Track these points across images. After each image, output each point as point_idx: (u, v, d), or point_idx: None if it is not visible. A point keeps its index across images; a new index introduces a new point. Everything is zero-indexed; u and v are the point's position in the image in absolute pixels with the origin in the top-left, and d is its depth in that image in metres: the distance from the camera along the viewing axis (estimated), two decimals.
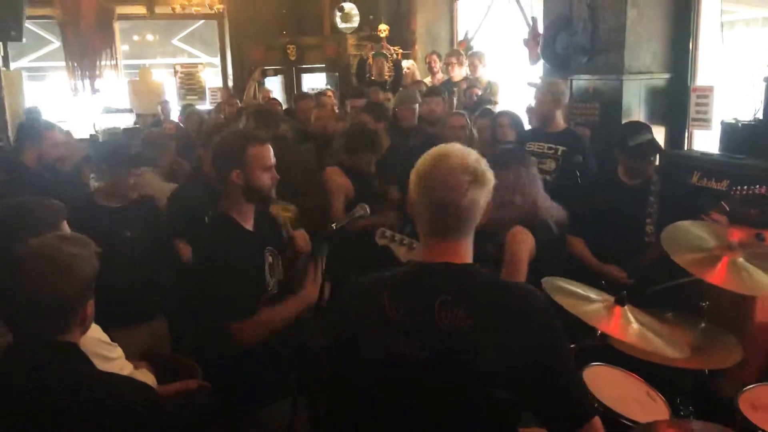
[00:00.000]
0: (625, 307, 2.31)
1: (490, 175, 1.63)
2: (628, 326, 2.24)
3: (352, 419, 1.73)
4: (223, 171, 2.61)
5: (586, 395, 1.64)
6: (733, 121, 4.11)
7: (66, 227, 2.28)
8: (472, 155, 1.63)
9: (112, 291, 3.04)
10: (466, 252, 1.65)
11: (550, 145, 4.22)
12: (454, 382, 1.52)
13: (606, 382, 2.69)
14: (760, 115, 3.99)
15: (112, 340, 2.34)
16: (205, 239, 2.67)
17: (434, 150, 1.64)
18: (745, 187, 3.34)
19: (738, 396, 2.52)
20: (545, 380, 1.54)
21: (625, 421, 2.43)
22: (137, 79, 10.38)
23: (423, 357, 1.54)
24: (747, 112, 4.11)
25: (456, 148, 1.64)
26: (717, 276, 2.58)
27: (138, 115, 9.56)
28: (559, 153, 4.18)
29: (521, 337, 1.52)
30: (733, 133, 4.10)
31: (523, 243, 2.86)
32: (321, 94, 6.68)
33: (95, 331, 2.18)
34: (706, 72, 4.72)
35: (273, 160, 2.67)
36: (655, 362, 2.52)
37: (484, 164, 1.63)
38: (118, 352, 2.31)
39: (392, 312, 1.58)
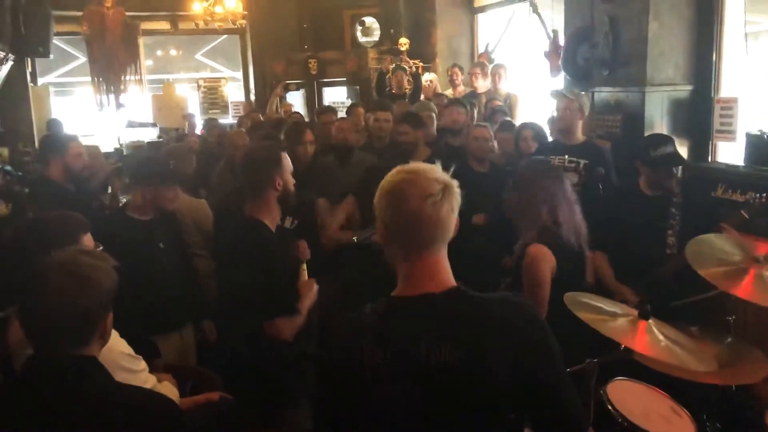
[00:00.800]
0: (650, 321, 2.29)
1: (457, 189, 1.60)
2: (652, 340, 2.21)
3: None
4: (265, 178, 2.73)
5: (580, 406, 1.62)
6: (759, 133, 4.06)
7: (88, 240, 2.31)
8: (438, 169, 1.61)
9: (150, 299, 3.13)
10: (444, 270, 1.61)
11: (571, 158, 4.20)
12: (454, 417, 1.50)
13: (630, 397, 2.66)
14: None
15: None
16: (247, 244, 2.74)
17: (400, 167, 1.64)
18: (764, 194, 3.29)
19: (766, 413, 2.48)
20: (538, 392, 1.54)
21: None
22: (161, 93, 10.52)
23: (416, 399, 1.50)
24: None
25: (421, 163, 1.64)
26: (744, 289, 2.55)
27: (161, 129, 9.68)
28: (582, 166, 4.15)
29: (509, 356, 1.50)
30: (758, 145, 4.05)
31: (543, 261, 2.79)
32: (354, 106, 6.71)
33: (120, 344, 2.21)
34: (729, 83, 4.67)
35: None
36: (681, 377, 2.49)
37: (450, 177, 1.61)
38: (142, 364, 2.32)
39: (378, 358, 1.52)
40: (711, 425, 2.67)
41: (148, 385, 2.28)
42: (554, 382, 1.56)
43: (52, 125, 8.42)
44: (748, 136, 4.13)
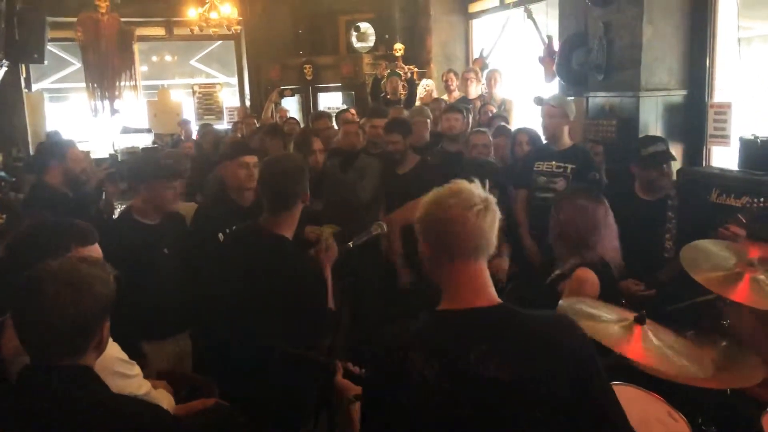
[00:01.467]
0: (645, 325, 2.29)
1: (497, 210, 1.63)
2: (648, 346, 2.21)
3: None
4: (295, 191, 2.68)
5: (628, 424, 1.63)
6: (752, 138, 4.08)
7: (96, 251, 2.26)
8: (480, 188, 1.64)
9: (149, 305, 3.11)
10: (488, 284, 1.62)
11: (559, 163, 4.21)
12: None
13: (627, 402, 2.63)
14: None
15: (142, 352, 2.35)
16: (279, 264, 2.66)
17: (445, 185, 1.66)
18: (762, 199, 3.30)
19: (762, 417, 2.48)
20: (593, 411, 1.55)
21: None
22: (156, 99, 10.51)
23: (467, 414, 1.48)
24: (766, 128, 4.08)
25: (462, 181, 1.65)
26: (740, 293, 2.55)
27: (156, 135, 9.66)
28: (569, 171, 4.17)
29: (560, 374, 1.51)
30: (752, 150, 4.07)
31: (590, 286, 2.83)
32: (344, 112, 6.71)
33: (114, 349, 2.19)
34: (723, 88, 4.69)
35: None
36: (676, 382, 2.49)
37: (492, 197, 1.63)
38: (136, 370, 2.31)
39: (428, 372, 1.50)
40: (707, 429, 2.67)
41: (142, 391, 2.27)
42: (606, 401, 1.59)
43: (52, 136, 8.39)
44: (742, 140, 4.15)
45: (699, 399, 2.77)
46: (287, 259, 2.67)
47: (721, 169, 4.34)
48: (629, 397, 2.74)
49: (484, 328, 1.55)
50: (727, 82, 4.68)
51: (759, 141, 4.04)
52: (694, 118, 4.74)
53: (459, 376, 1.49)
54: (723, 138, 4.44)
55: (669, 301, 3.22)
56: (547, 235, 3.55)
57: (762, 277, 2.61)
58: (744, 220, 3.28)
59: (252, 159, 3.64)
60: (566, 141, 4.35)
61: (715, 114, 4.49)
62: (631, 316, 2.35)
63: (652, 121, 4.74)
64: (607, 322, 2.34)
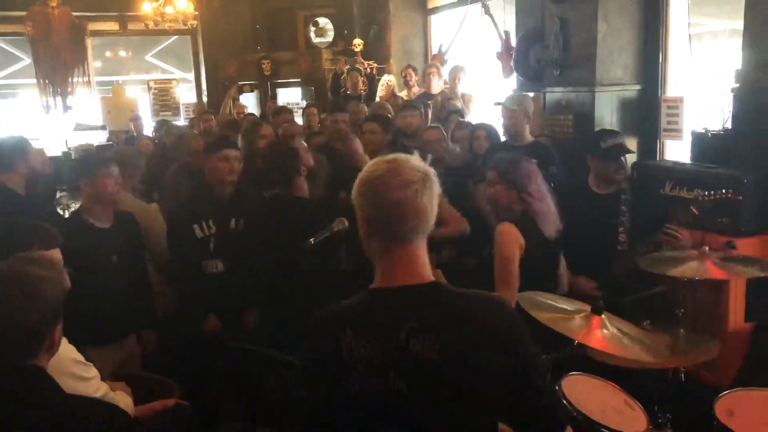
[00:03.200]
0: (603, 315, 2.33)
1: (436, 181, 1.59)
2: (606, 335, 2.25)
3: None
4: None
5: (560, 403, 1.65)
6: (703, 131, 4.18)
7: (56, 254, 2.21)
8: (419, 161, 1.60)
9: (93, 311, 3.04)
10: (422, 262, 1.59)
11: None
12: (436, 412, 1.48)
13: (585, 392, 2.71)
14: (728, 125, 4.07)
15: (89, 358, 2.30)
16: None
17: (380, 158, 1.62)
18: (713, 192, 3.39)
19: (714, 402, 2.55)
20: (519, 391, 1.54)
21: (603, 431, 2.45)
22: (110, 95, 10.29)
23: (399, 390, 1.48)
24: (716, 122, 4.18)
25: (403, 155, 1.61)
26: (715, 273, 2.71)
27: (111, 132, 9.46)
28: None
29: (490, 354, 1.50)
30: (703, 143, 4.17)
31: (511, 237, 2.96)
32: (309, 107, 6.66)
33: (70, 351, 2.15)
34: (675, 83, 4.80)
35: None
36: (633, 369, 2.55)
37: (431, 169, 1.59)
38: (93, 371, 2.27)
39: (359, 350, 1.50)
40: (662, 416, 2.74)
41: (99, 393, 2.23)
42: (538, 382, 1.58)
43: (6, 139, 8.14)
44: (694, 134, 4.25)
45: (655, 387, 2.84)
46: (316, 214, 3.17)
47: (675, 162, 4.44)
48: (587, 386, 2.80)
49: (416, 305, 1.53)
50: (679, 77, 4.79)
51: (710, 134, 4.14)
52: (647, 112, 4.84)
53: (391, 354, 1.49)
54: (675, 132, 4.54)
55: (624, 293, 3.29)
56: None
57: (717, 260, 2.77)
58: (696, 212, 3.37)
59: (233, 153, 3.69)
60: (527, 137, 4.41)
61: (668, 108, 4.59)
62: (588, 307, 2.39)
63: (607, 116, 4.82)
64: (565, 313, 2.38)
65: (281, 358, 2.47)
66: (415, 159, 1.60)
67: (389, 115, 5.48)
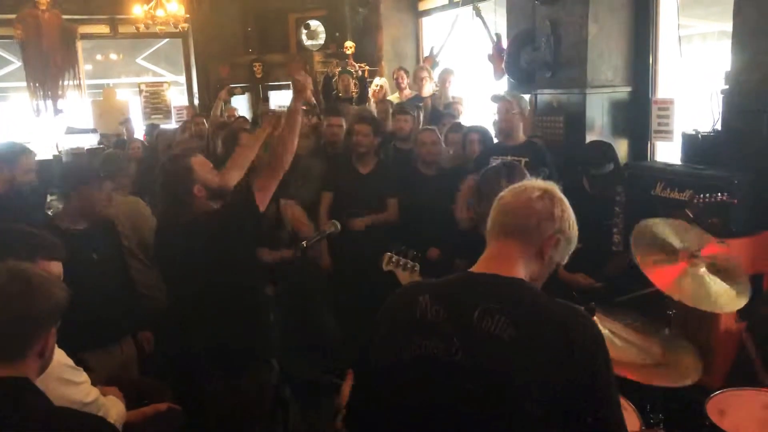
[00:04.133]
0: (594, 317, 2.34)
1: (561, 204, 1.72)
2: None
3: (375, 420, 1.67)
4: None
5: (623, 427, 1.56)
6: (693, 133, 4.21)
7: (56, 267, 2.19)
8: (546, 183, 1.75)
9: (81, 314, 3.01)
10: (518, 263, 1.65)
11: (513, 157, 4.28)
12: (486, 388, 1.48)
13: None
14: (718, 126, 4.09)
15: (83, 363, 2.29)
16: None
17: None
18: (707, 195, 3.41)
19: (705, 402, 2.56)
20: (579, 403, 1.48)
21: None
22: (101, 98, 10.25)
23: (456, 360, 1.51)
24: (706, 123, 4.21)
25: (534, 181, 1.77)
26: (665, 282, 2.64)
27: (102, 135, 9.42)
28: (522, 165, 4.23)
29: (560, 354, 1.48)
30: (693, 144, 4.19)
31: None
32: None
33: (60, 355, 2.13)
34: (666, 85, 4.83)
35: None
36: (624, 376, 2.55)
37: (557, 190, 1.73)
38: (83, 376, 2.25)
39: (431, 314, 1.58)
40: (654, 416, 2.75)
41: (90, 398, 2.21)
42: (604, 411, 1.51)
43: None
44: (684, 135, 4.28)
45: (647, 388, 2.85)
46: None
47: (665, 164, 4.46)
48: None
49: (497, 289, 1.59)
50: (670, 78, 4.82)
51: (700, 136, 4.16)
52: (638, 114, 4.86)
53: (459, 323, 1.54)
54: (666, 133, 4.56)
55: (617, 293, 3.30)
56: None
57: (700, 271, 2.68)
58: (691, 215, 3.38)
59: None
60: (520, 137, 4.43)
61: (659, 110, 4.61)
62: (580, 308, 2.39)
63: (598, 118, 4.84)
64: None
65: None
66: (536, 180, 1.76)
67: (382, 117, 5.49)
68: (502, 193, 1.75)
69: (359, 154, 4.67)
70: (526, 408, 1.45)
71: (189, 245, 2.79)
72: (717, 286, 2.62)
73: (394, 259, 2.70)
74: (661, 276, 2.62)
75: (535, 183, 1.73)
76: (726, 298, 2.56)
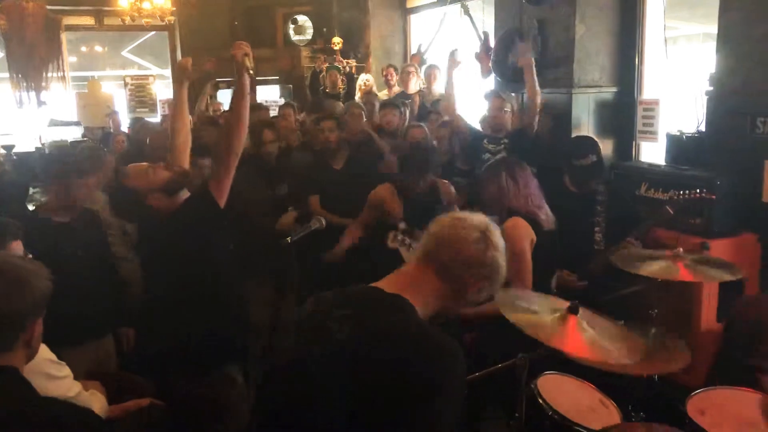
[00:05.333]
0: (579, 314, 2.34)
1: (495, 248, 1.70)
2: (582, 335, 2.26)
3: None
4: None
5: None
6: (678, 134, 4.24)
7: (17, 247, 2.19)
8: (486, 220, 1.74)
9: (61, 309, 2.98)
10: (423, 292, 1.65)
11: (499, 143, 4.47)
12: (307, 384, 1.55)
13: (560, 391, 2.73)
14: (702, 128, 4.12)
15: (61, 358, 2.28)
16: None
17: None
18: (687, 191, 3.45)
19: (686, 401, 2.59)
20: (398, 407, 1.46)
21: (578, 429, 2.47)
22: (85, 91, 10.15)
23: (298, 359, 1.62)
24: (691, 124, 4.24)
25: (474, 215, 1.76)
26: (685, 276, 2.78)
27: (86, 128, 9.33)
28: (507, 143, 4.47)
29: (394, 356, 1.49)
30: (678, 145, 4.22)
31: (522, 231, 3.01)
32: (287, 106, 6.58)
33: (42, 350, 2.11)
34: (651, 86, 4.86)
35: None
36: (608, 371, 2.57)
37: (495, 232, 1.72)
38: (65, 371, 2.24)
39: (301, 315, 1.71)
40: (636, 415, 2.77)
41: (72, 392, 2.20)
42: (419, 406, 1.47)
43: None
44: (669, 136, 4.31)
45: (629, 387, 2.87)
46: None
47: (650, 164, 4.49)
48: (563, 385, 2.82)
49: (365, 300, 1.64)
50: (655, 79, 4.85)
51: (684, 137, 4.19)
52: (623, 114, 4.89)
53: (322, 327, 1.60)
54: (651, 134, 4.59)
55: (600, 292, 3.32)
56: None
57: (689, 262, 2.82)
58: (671, 212, 3.41)
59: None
60: (507, 129, 4.53)
61: (644, 110, 4.64)
62: (564, 305, 2.40)
63: (584, 117, 4.86)
64: (540, 314, 2.39)
65: None
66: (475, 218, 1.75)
67: (363, 111, 5.49)
68: (441, 217, 1.74)
69: (331, 151, 4.69)
70: (331, 408, 1.50)
71: (157, 243, 2.78)
72: (710, 269, 2.80)
73: (399, 237, 2.71)
74: (675, 274, 2.74)
75: (475, 221, 1.71)
76: (723, 272, 2.73)
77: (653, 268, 2.84)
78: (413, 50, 8.63)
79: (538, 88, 4.41)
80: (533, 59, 4.47)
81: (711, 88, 3.98)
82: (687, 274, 2.78)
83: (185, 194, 2.85)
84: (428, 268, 1.68)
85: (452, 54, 4.91)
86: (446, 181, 4.09)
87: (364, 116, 5.36)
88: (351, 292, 1.69)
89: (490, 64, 5.77)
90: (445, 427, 1.50)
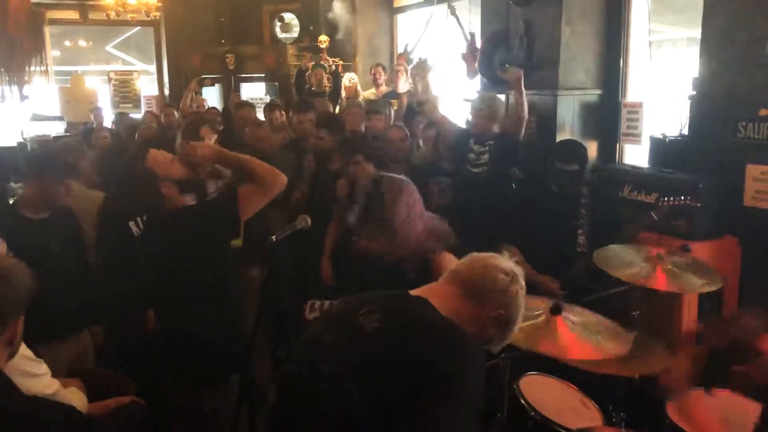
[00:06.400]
0: (562, 313, 2.36)
1: (520, 289, 1.77)
2: (566, 334, 2.28)
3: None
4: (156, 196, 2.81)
5: None
6: (661, 137, 4.27)
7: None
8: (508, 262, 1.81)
9: (39, 305, 2.95)
10: (442, 297, 1.73)
11: (481, 147, 4.47)
12: (332, 366, 1.59)
13: (542, 392, 2.75)
14: (685, 131, 4.16)
15: (39, 355, 2.25)
16: None
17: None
18: (672, 198, 3.48)
19: (666, 402, 2.61)
20: (414, 403, 1.48)
21: (559, 429, 2.49)
22: (69, 86, 10.05)
23: (323, 341, 1.67)
24: (674, 127, 4.28)
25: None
26: (659, 283, 2.78)
27: (69, 123, 9.25)
28: (492, 145, 4.42)
29: (409, 352, 1.55)
30: (661, 148, 4.26)
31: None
32: (274, 105, 6.54)
33: (20, 348, 2.10)
34: (635, 88, 4.89)
35: None
36: (589, 369, 2.59)
37: (521, 275, 1.79)
38: (44, 368, 2.22)
39: (334, 309, 1.80)
40: (616, 415, 2.79)
41: (50, 390, 2.18)
42: (435, 402, 1.50)
43: None
44: (652, 139, 4.34)
45: (610, 387, 2.90)
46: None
47: (633, 167, 4.53)
48: (545, 386, 2.84)
49: (391, 300, 1.74)
50: (639, 82, 4.89)
51: (667, 140, 4.23)
52: (608, 116, 4.92)
53: (347, 320, 1.68)
54: (635, 136, 4.62)
55: (582, 293, 3.34)
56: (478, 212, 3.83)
57: (670, 266, 2.82)
58: (656, 218, 3.44)
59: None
60: (494, 132, 4.50)
61: (628, 113, 4.67)
62: (547, 307, 2.42)
63: (569, 119, 4.89)
64: (524, 318, 2.41)
65: None
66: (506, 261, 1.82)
67: (362, 112, 5.51)
68: (474, 254, 1.83)
69: (321, 158, 4.69)
70: (352, 393, 1.52)
71: (161, 242, 2.75)
72: (689, 276, 2.79)
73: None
74: (653, 280, 2.75)
75: (507, 261, 1.80)
76: (701, 282, 2.69)
77: (633, 271, 2.85)
78: (400, 50, 8.63)
79: (526, 105, 4.39)
80: (521, 75, 4.43)
81: (694, 92, 4.02)
82: (665, 282, 2.80)
83: (190, 200, 2.81)
84: (454, 285, 1.76)
85: (423, 62, 4.90)
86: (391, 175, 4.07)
87: (363, 116, 5.38)
88: (375, 295, 1.78)
89: (476, 65, 5.79)
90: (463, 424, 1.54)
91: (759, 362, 2.02)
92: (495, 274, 1.74)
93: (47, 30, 9.59)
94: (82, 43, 11.96)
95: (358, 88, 7.76)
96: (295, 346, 1.77)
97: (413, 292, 1.77)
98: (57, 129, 8.99)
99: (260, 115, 6.76)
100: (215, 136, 4.64)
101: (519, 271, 1.79)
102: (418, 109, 5.86)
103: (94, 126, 7.88)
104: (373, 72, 7.56)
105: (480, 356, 1.63)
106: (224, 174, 3.43)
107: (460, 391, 1.54)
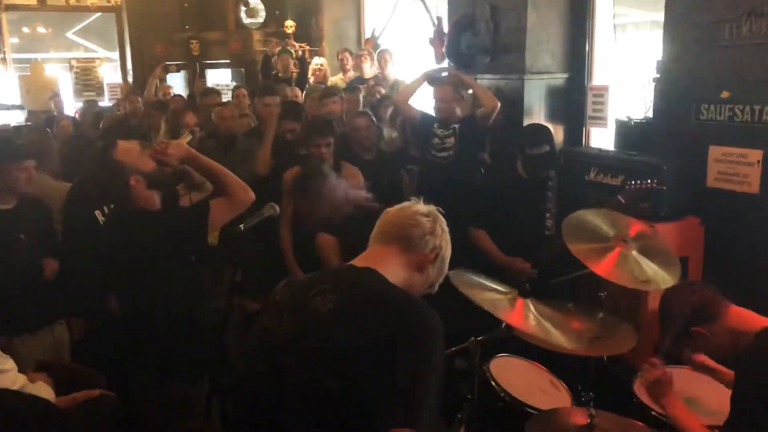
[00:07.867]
0: (528, 299, 2.39)
1: (442, 225, 1.81)
2: (529, 318, 2.32)
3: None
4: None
5: (422, 407, 1.53)
6: (627, 120, 4.32)
7: None
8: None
9: (8, 297, 2.89)
10: (391, 264, 1.74)
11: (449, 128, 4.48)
12: (297, 356, 1.58)
13: (512, 373, 2.78)
14: (650, 114, 4.21)
15: (12, 347, 2.21)
16: None
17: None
18: (639, 181, 3.52)
19: (633, 381, 2.66)
20: (381, 367, 1.51)
21: (529, 410, 2.52)
22: (28, 74, 9.81)
23: (280, 332, 1.66)
24: (639, 110, 4.32)
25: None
26: (603, 267, 2.68)
27: (30, 112, 9.03)
28: (456, 128, 4.45)
29: (374, 322, 1.56)
30: (626, 131, 4.31)
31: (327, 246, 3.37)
32: (238, 86, 6.48)
33: None
34: (601, 72, 4.94)
35: None
36: (558, 352, 2.62)
37: (440, 216, 1.83)
38: (9, 363, 2.18)
39: (279, 296, 1.76)
40: (585, 395, 2.84)
41: (17, 385, 2.14)
42: (404, 367, 1.53)
43: None
44: (618, 122, 4.39)
45: (579, 368, 2.94)
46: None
47: (599, 150, 4.57)
48: (515, 368, 2.87)
49: (341, 275, 1.74)
50: (605, 66, 4.93)
51: (632, 122, 4.28)
52: (574, 100, 4.96)
53: (298, 303, 1.68)
54: (601, 120, 4.66)
55: (551, 275, 3.38)
56: (444, 197, 3.73)
57: (633, 253, 2.74)
58: (623, 201, 3.48)
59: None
60: (459, 115, 4.50)
61: (594, 96, 4.71)
62: (516, 289, 2.45)
63: (536, 103, 4.92)
64: (494, 292, 2.44)
65: None
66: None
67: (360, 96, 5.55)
68: (388, 209, 1.86)
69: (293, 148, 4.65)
70: (322, 378, 1.53)
71: (124, 243, 2.70)
72: (651, 267, 2.71)
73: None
74: (598, 263, 2.70)
75: (420, 206, 1.83)
76: (661, 276, 2.66)
77: (590, 251, 2.81)
78: (367, 35, 8.59)
79: (489, 93, 4.48)
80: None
81: (658, 75, 4.07)
82: (625, 277, 2.70)
83: (156, 196, 2.74)
84: (390, 245, 1.77)
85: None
86: (353, 167, 4.07)
87: (361, 100, 5.35)
88: (324, 273, 1.82)
89: (443, 50, 5.78)
90: (428, 386, 1.55)
91: (714, 329, 2.06)
92: (419, 219, 1.78)
93: (4, 16, 9.34)
94: (41, 29, 11.66)
95: (327, 73, 7.70)
96: (250, 340, 1.79)
97: (357, 263, 1.76)
98: (17, 118, 8.77)
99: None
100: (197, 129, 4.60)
101: (431, 207, 1.84)
102: (383, 94, 5.84)
103: (55, 114, 7.72)
104: (340, 57, 7.52)
105: (437, 322, 1.63)
106: (205, 188, 3.37)
107: (426, 359, 1.56)
